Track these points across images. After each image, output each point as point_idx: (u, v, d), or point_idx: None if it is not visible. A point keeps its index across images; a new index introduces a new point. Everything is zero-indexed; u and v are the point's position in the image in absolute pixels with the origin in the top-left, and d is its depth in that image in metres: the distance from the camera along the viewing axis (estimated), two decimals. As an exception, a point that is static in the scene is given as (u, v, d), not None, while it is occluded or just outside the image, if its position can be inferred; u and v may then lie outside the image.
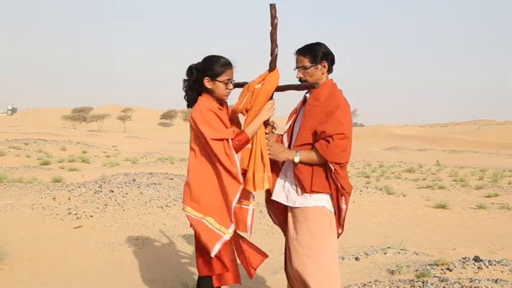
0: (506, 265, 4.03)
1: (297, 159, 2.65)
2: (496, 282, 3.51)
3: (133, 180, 9.33)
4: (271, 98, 2.68)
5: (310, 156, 2.65)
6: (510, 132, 73.77)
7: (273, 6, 2.54)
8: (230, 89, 2.70)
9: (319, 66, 2.74)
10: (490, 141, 65.03)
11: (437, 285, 3.45)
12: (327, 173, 2.67)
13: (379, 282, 3.72)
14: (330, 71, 2.81)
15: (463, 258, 4.33)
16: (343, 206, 2.72)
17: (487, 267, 4.02)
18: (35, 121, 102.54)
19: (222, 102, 2.74)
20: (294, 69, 2.80)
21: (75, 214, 5.72)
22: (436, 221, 7.99)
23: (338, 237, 2.85)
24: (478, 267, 4.03)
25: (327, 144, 2.60)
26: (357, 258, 4.68)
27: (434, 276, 3.77)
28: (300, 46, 2.80)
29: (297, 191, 2.73)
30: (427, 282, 3.50)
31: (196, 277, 3.78)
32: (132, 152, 25.03)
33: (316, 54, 2.73)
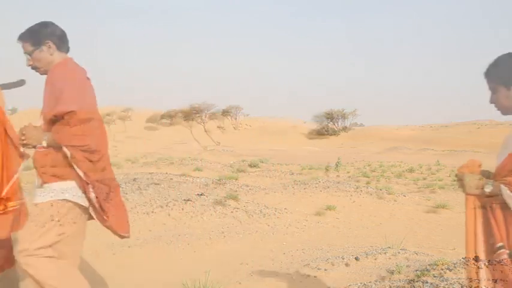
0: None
1: (44, 143, 2.39)
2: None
3: (134, 180, 9.34)
4: None
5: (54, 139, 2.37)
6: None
7: None
8: None
9: (44, 48, 2.47)
10: (490, 141, 65.02)
11: (437, 285, 3.45)
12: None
13: (379, 282, 3.72)
14: (62, 49, 2.53)
15: (463, 258, 4.33)
16: (92, 195, 2.41)
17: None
18: (35, 121, 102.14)
19: None
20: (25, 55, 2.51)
21: (75, 214, 5.72)
22: (436, 221, 7.98)
23: (119, 235, 2.64)
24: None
25: (60, 127, 2.34)
26: (357, 258, 4.69)
27: (434, 276, 3.77)
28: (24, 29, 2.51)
29: (38, 184, 2.41)
30: (427, 282, 3.50)
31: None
32: (132, 152, 25.04)
33: (36, 36, 2.46)
